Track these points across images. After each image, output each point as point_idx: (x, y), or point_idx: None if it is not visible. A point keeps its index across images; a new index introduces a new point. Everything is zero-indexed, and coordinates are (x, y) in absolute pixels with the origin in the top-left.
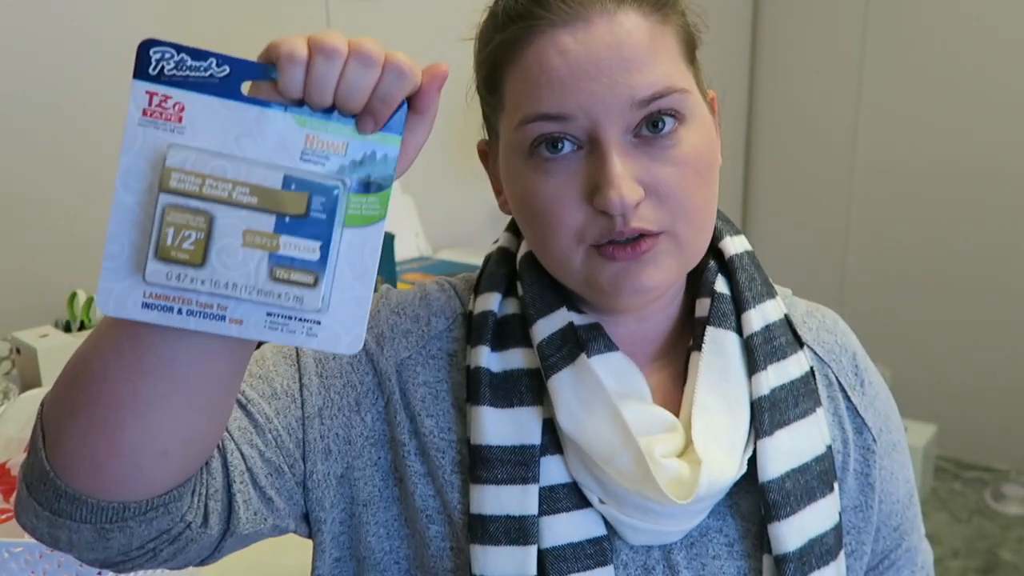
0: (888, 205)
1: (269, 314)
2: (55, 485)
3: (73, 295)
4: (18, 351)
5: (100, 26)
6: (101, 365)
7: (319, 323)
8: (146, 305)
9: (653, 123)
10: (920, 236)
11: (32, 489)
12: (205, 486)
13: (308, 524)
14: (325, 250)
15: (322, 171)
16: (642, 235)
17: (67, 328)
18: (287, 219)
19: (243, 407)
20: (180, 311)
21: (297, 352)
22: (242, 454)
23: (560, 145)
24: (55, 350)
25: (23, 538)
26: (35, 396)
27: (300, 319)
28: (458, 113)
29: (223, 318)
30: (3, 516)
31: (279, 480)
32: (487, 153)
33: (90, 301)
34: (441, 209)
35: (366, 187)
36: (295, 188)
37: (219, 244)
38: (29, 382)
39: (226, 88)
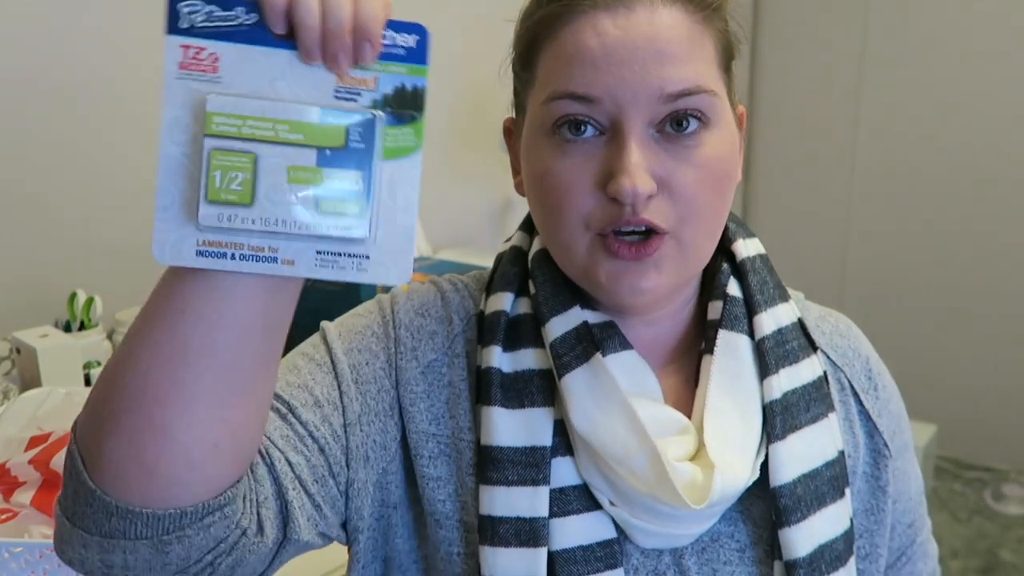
0: (888, 205)
1: (319, 252)
2: (104, 503)
3: (73, 295)
4: (18, 351)
5: (101, 21)
6: (143, 353)
7: (367, 257)
8: (200, 253)
9: (678, 121)
10: (920, 236)
11: (76, 517)
12: (255, 492)
13: (346, 532)
14: (368, 180)
15: (356, 107)
16: (649, 231)
17: (67, 328)
18: (328, 152)
19: (285, 417)
20: (233, 256)
21: (332, 359)
22: (289, 462)
23: (583, 128)
24: (55, 350)
25: (23, 538)
26: (35, 396)
27: (349, 255)
28: (458, 115)
29: (275, 259)
30: (3, 516)
31: (324, 488)
32: (512, 131)
33: (90, 301)
34: (441, 209)
35: (399, 119)
36: (332, 121)
37: (265, 182)
38: (29, 382)
39: (256, 35)
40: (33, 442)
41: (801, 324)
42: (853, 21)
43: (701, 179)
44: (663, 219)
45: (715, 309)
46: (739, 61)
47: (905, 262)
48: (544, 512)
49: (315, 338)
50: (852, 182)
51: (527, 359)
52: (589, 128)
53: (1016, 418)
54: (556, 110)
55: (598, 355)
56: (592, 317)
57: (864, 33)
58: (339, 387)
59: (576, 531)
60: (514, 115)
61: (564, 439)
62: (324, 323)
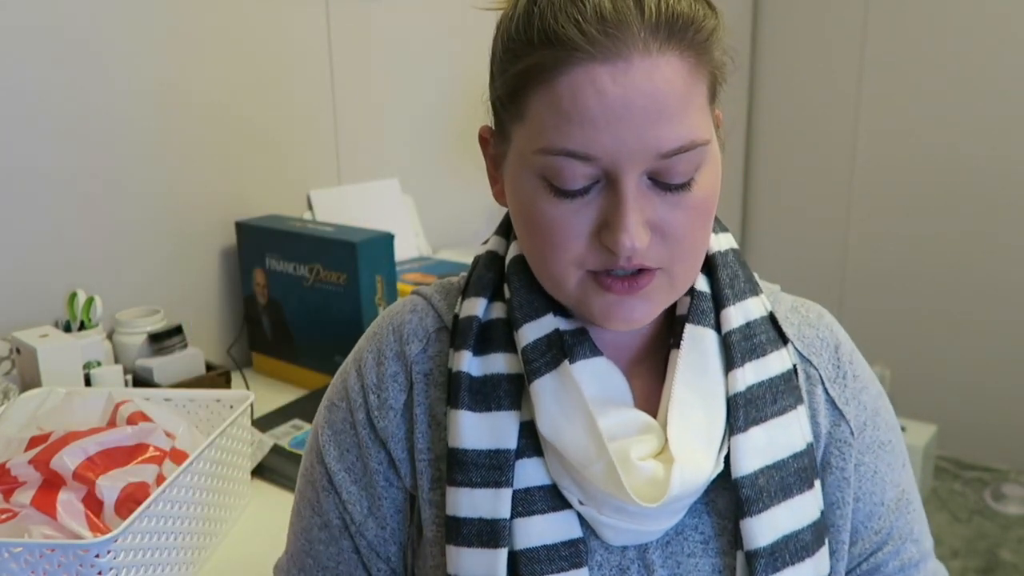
0: (888, 204)
1: None
2: None
3: (73, 295)
4: (18, 351)
5: (101, 24)
6: None
7: None
8: None
9: (671, 174)
10: (920, 236)
11: None
12: None
13: None
14: None
15: None
16: (640, 270)
17: (67, 328)
18: None
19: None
20: None
21: (331, 480)
22: None
23: (577, 182)
24: (55, 350)
25: (23, 538)
26: (35, 396)
27: None
28: (458, 115)
29: None
30: (3, 516)
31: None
32: (488, 141)
33: (90, 301)
34: (441, 209)
35: None
36: None
37: None
38: (29, 382)
39: None
40: (33, 442)
41: (772, 317)
42: (853, 22)
43: (692, 219)
44: (655, 260)
45: (683, 304)
46: (739, 62)
47: (905, 263)
48: (505, 514)
49: (313, 474)
50: (852, 183)
51: (497, 363)
52: (583, 181)
53: (1016, 418)
54: (551, 164)
55: (565, 363)
56: (564, 324)
57: (864, 34)
58: (345, 506)
59: (540, 531)
60: (492, 126)
61: (533, 440)
62: (315, 439)
